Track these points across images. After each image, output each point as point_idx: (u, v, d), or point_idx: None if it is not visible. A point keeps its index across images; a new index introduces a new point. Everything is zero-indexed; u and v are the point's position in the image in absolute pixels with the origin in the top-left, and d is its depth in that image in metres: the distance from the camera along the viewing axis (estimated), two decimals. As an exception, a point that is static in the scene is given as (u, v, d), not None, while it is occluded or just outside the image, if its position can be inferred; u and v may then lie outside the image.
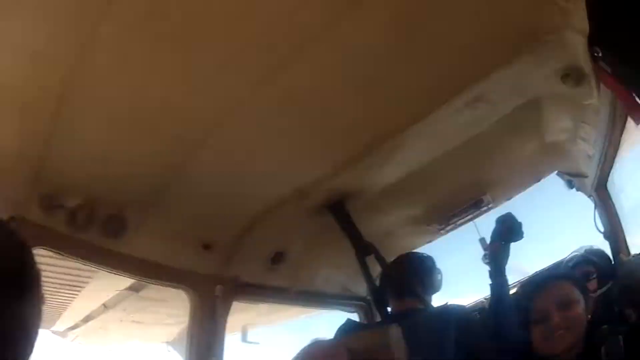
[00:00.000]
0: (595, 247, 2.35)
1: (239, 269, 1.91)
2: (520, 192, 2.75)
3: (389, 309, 1.98)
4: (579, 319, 1.40)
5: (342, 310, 2.68)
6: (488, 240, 1.92)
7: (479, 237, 2.50)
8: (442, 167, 2.06)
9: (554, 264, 2.62)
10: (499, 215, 1.90)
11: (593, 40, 1.26)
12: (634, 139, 1.97)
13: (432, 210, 2.54)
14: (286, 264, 2.02)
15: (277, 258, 1.98)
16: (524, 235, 1.81)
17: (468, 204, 2.57)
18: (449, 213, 2.60)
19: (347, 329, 1.83)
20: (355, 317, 2.73)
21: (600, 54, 1.26)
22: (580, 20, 1.24)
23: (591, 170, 2.38)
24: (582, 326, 1.40)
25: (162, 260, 1.77)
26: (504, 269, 1.80)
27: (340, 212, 2.00)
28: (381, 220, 2.41)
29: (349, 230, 2.02)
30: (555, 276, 1.60)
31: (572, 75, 1.55)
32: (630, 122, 1.72)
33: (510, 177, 2.55)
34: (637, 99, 1.15)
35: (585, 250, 2.32)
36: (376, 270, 2.18)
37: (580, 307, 1.42)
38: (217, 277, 1.89)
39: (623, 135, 1.87)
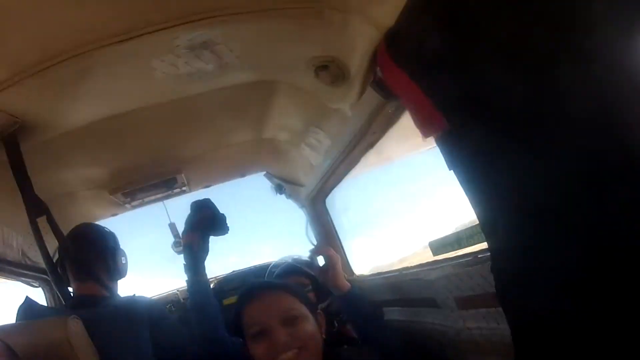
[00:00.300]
0: (304, 258, 2.09)
1: None
2: (220, 182, 2.53)
3: (70, 290, 1.59)
4: (312, 337, 1.20)
5: (26, 283, 2.10)
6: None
7: (168, 222, 2.19)
8: (138, 123, 1.63)
9: (254, 267, 2.50)
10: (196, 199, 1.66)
11: (394, 39, 0.99)
12: (375, 161, 1.86)
13: (118, 176, 2.05)
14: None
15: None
16: (229, 230, 1.62)
17: (159, 180, 2.17)
18: (136, 186, 2.15)
19: (25, 312, 1.48)
20: (40, 293, 2.18)
21: (395, 56, 1.00)
22: (380, 9, 0.97)
23: (310, 181, 2.23)
24: (317, 344, 1.22)
25: None
26: (202, 264, 1.57)
27: (13, 149, 1.38)
28: (60, 174, 1.85)
29: (19, 177, 1.41)
30: (272, 285, 1.36)
31: (330, 70, 1.25)
32: (382, 143, 1.61)
33: (211, 163, 2.25)
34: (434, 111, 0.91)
35: (293, 260, 2.08)
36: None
37: (311, 324, 1.22)
38: None
39: (367, 154, 1.72)
